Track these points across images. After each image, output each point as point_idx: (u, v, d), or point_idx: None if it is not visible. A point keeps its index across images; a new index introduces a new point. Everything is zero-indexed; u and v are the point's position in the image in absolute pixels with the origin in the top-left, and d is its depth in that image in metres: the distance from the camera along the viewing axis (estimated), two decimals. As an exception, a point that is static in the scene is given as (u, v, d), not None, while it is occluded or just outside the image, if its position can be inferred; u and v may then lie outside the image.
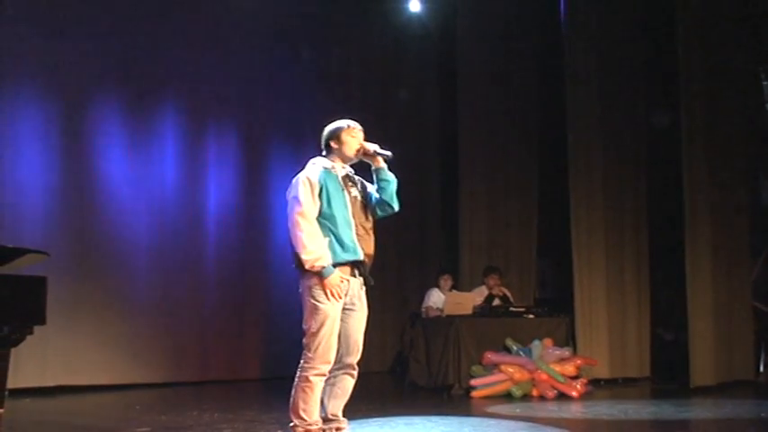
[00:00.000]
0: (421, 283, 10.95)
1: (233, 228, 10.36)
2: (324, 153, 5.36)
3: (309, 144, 5.58)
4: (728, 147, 9.97)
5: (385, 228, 11.34)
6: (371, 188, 5.39)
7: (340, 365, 5.19)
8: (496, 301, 9.91)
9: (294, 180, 5.18)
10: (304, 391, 5.04)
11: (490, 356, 8.85)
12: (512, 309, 9.70)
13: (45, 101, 8.96)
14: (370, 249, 5.28)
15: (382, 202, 5.31)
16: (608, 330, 10.14)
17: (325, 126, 5.39)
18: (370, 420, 6.63)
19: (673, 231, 10.00)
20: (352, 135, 5.30)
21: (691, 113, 9.70)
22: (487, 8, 11.49)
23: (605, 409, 7.87)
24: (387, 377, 11.27)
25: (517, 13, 11.61)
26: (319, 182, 5.12)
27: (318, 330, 5.01)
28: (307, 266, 5.02)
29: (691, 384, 9.28)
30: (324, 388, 5.14)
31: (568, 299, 10.19)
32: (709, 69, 9.85)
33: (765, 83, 10.98)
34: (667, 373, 10.35)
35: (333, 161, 5.30)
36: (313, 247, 5.00)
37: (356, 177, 5.42)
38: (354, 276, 5.18)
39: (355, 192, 5.29)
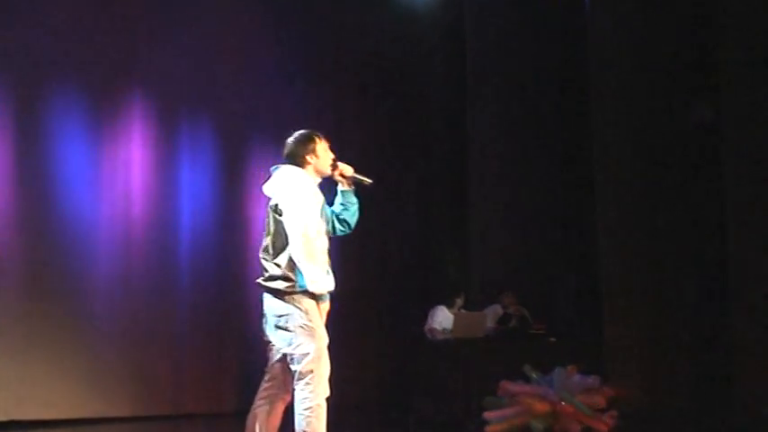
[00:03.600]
0: (424, 299, 10.38)
1: (209, 240, 9.89)
2: (293, 165, 5.20)
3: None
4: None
5: (385, 238, 11.09)
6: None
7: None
8: (513, 322, 9.84)
9: (292, 194, 5.05)
10: (318, 418, 5.01)
11: (506, 386, 8.38)
12: (531, 331, 9.69)
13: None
14: None
15: (342, 222, 5.35)
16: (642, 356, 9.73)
17: (295, 134, 5.27)
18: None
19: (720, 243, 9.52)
20: (326, 149, 5.27)
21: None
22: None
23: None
24: (388, 408, 10.49)
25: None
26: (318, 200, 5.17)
27: (321, 355, 5.03)
28: (312, 289, 5.01)
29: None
30: (256, 414, 5.14)
31: (597, 320, 9.89)
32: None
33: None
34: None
35: (309, 175, 5.22)
36: (321, 273, 5.03)
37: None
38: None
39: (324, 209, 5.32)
